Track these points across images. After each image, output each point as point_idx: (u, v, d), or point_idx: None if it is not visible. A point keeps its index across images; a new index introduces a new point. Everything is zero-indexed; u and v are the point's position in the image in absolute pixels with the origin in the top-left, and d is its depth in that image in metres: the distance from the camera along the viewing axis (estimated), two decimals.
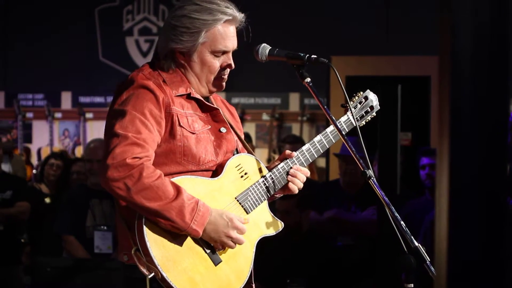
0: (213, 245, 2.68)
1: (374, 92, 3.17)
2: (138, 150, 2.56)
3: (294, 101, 8.70)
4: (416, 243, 2.49)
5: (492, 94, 1.35)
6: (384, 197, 2.59)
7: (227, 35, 2.77)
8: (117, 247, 4.34)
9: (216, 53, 2.77)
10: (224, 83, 2.85)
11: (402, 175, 5.88)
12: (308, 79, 2.78)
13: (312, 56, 2.78)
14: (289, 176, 2.86)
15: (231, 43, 2.79)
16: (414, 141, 7.14)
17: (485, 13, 1.34)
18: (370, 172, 2.61)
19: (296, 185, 2.87)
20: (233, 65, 2.81)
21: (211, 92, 2.86)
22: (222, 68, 2.80)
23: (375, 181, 2.63)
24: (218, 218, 2.64)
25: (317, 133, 2.96)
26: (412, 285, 2.49)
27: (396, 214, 2.55)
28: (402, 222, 2.54)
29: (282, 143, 6.96)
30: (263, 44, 2.86)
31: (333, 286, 5.19)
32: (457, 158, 1.35)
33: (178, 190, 2.57)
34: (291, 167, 2.86)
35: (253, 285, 2.87)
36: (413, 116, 6.82)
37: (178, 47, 2.76)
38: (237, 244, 2.72)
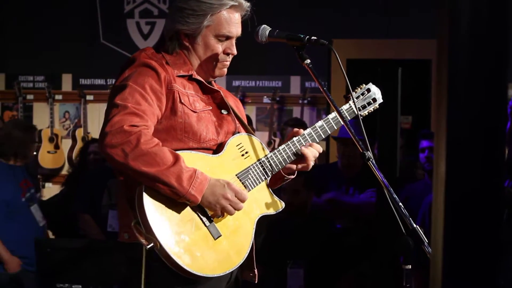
0: (212, 212, 2.70)
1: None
2: (136, 119, 2.59)
3: (295, 84, 8.67)
4: (414, 225, 2.53)
5: (490, 77, 1.35)
6: (383, 179, 2.62)
7: (231, 20, 2.85)
8: None
9: (219, 37, 2.84)
10: (225, 69, 2.91)
11: (403, 158, 5.89)
12: (308, 61, 2.83)
13: (312, 37, 2.84)
14: (303, 148, 2.90)
15: (235, 29, 2.86)
16: (415, 124, 7.15)
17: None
18: (369, 153, 2.66)
19: (309, 158, 2.91)
20: (235, 52, 2.88)
21: (212, 77, 2.92)
22: (225, 54, 2.86)
23: (374, 162, 2.65)
24: (215, 182, 2.66)
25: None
26: (410, 266, 2.53)
27: (395, 196, 2.58)
28: (400, 204, 2.57)
29: (285, 125, 6.96)
30: (263, 26, 2.92)
31: (332, 268, 5.21)
32: (454, 142, 1.36)
33: (176, 157, 2.59)
34: (298, 148, 2.90)
35: (256, 270, 2.90)
36: (414, 100, 6.83)
37: (183, 29, 2.83)
38: (237, 221, 2.75)
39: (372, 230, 5.04)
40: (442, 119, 1.37)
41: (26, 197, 5.70)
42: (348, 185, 5.62)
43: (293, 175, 3.02)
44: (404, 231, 2.51)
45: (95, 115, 8.62)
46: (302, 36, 2.84)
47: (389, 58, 7.11)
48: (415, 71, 6.92)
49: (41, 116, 8.55)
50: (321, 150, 2.97)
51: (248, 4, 2.89)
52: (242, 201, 2.70)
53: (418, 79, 7.04)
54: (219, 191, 2.65)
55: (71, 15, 8.68)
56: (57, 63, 8.75)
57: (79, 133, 8.60)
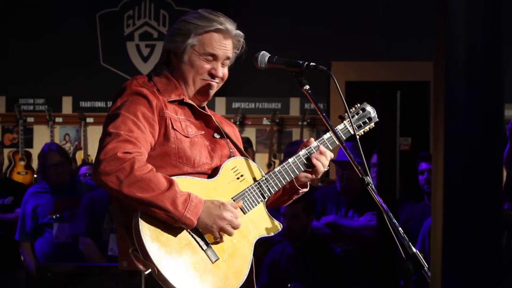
0: (210, 234, 2.69)
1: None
2: (129, 146, 2.62)
3: (294, 106, 8.73)
4: (414, 250, 2.50)
5: (486, 98, 1.37)
6: (382, 204, 2.60)
7: (216, 41, 2.86)
8: None
9: (205, 56, 2.85)
10: (211, 91, 2.91)
11: (402, 180, 5.91)
12: (307, 87, 2.82)
13: (311, 63, 2.84)
14: (315, 154, 2.92)
15: (220, 51, 2.86)
16: (414, 146, 7.16)
17: (477, 22, 1.36)
18: (368, 178, 2.63)
19: (322, 163, 2.92)
20: (220, 74, 2.88)
21: (199, 100, 2.92)
22: (209, 74, 2.87)
23: (373, 187, 2.64)
24: (210, 205, 2.67)
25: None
26: None
27: (394, 221, 2.56)
28: (400, 229, 2.55)
29: (296, 146, 6.90)
30: (262, 52, 2.93)
31: None
32: (451, 163, 1.37)
33: (170, 182, 2.61)
34: (293, 169, 2.91)
35: None
36: (413, 121, 6.84)
37: (171, 47, 2.87)
38: (234, 244, 2.75)
39: (372, 253, 5.04)
40: (439, 144, 1.38)
41: (59, 215, 5.91)
42: (347, 208, 5.60)
43: (306, 188, 3.02)
44: (404, 255, 2.49)
45: (95, 137, 8.64)
46: (300, 62, 2.84)
47: (388, 80, 7.14)
48: (414, 93, 6.95)
49: (41, 139, 8.57)
50: (332, 155, 2.98)
51: (241, 33, 2.92)
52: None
53: (417, 100, 7.06)
54: (215, 212, 2.66)
55: (71, 38, 8.76)
56: (58, 86, 8.81)
57: (79, 155, 8.63)
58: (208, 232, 2.69)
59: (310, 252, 5.23)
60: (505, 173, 4.92)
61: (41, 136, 8.69)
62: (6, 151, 8.42)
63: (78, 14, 8.78)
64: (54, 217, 5.90)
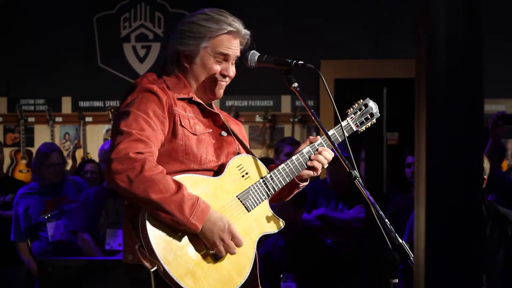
0: (207, 245, 2.70)
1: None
2: (141, 146, 2.61)
3: (286, 103, 8.78)
4: (400, 240, 2.54)
5: (467, 94, 1.39)
6: (369, 196, 2.66)
7: (229, 42, 2.89)
8: None
9: (217, 58, 2.88)
10: (221, 91, 2.94)
11: (390, 173, 6.02)
12: (296, 84, 2.87)
13: (299, 62, 2.88)
14: (313, 156, 2.94)
15: (232, 51, 2.90)
16: (401, 140, 7.22)
17: (458, 21, 1.40)
18: (355, 172, 2.69)
19: (321, 162, 2.94)
20: (232, 74, 2.93)
21: (209, 99, 2.95)
22: (221, 75, 2.90)
23: (361, 181, 2.70)
24: (217, 220, 2.66)
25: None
26: (396, 280, 2.55)
27: (381, 213, 2.60)
28: (386, 220, 2.60)
29: (281, 143, 6.98)
30: (252, 51, 2.97)
31: (323, 282, 5.25)
32: (433, 157, 1.40)
33: (179, 185, 2.61)
34: (296, 166, 2.93)
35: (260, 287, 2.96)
36: (400, 117, 6.91)
37: (183, 50, 2.88)
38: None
39: (361, 244, 5.12)
40: (421, 139, 1.41)
41: (51, 215, 6.03)
42: (337, 201, 5.66)
43: (307, 182, 3.07)
44: (390, 246, 2.55)
45: (94, 136, 8.74)
46: (289, 60, 2.88)
47: (376, 77, 7.17)
48: (401, 89, 7.02)
49: (42, 138, 8.61)
50: (330, 156, 3.00)
51: (248, 32, 2.96)
52: (237, 246, 2.72)
53: (403, 96, 7.12)
54: (218, 230, 2.66)
55: (70, 40, 8.77)
56: (57, 87, 8.84)
57: (79, 153, 8.68)
58: (206, 243, 2.69)
59: (302, 244, 5.26)
60: (488, 166, 5.02)
61: (42, 135, 8.74)
62: (8, 150, 8.47)
63: (77, 17, 8.82)
64: (46, 217, 6.00)
